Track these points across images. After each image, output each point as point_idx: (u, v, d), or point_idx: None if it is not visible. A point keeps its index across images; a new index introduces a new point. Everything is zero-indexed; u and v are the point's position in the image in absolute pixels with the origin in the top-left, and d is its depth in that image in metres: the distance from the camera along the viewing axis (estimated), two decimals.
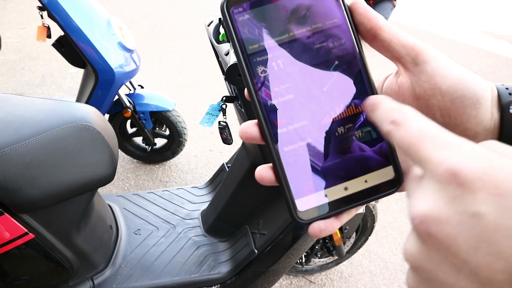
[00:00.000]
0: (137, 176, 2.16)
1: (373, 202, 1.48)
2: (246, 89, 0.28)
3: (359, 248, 1.63)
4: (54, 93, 2.86)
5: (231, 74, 0.60)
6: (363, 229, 1.57)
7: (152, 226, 1.36)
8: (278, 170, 0.28)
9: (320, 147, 0.29)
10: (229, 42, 0.28)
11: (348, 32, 0.29)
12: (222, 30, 0.99)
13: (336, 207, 0.29)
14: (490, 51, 4.86)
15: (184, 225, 1.39)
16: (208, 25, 1.07)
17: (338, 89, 0.29)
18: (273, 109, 0.28)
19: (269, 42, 0.28)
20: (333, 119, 0.29)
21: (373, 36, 0.28)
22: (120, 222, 1.34)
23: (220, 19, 0.89)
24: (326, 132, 0.29)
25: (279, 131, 0.28)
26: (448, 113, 0.27)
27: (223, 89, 3.08)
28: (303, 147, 0.28)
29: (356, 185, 0.29)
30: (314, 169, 0.29)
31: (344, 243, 1.56)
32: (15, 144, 0.87)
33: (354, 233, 1.57)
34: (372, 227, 1.56)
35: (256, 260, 1.22)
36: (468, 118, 0.27)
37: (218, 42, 0.99)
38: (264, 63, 0.28)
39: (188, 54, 3.69)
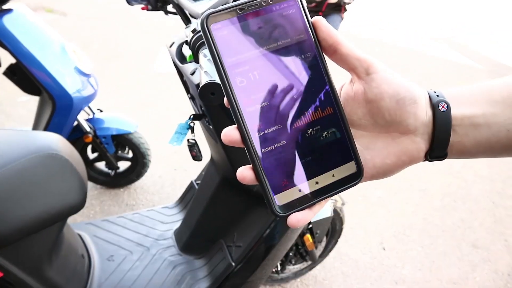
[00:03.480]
0: (102, 202, 2.10)
1: (339, 205, 1.55)
2: (225, 98, 0.32)
3: (330, 251, 1.69)
4: (4, 123, 2.73)
5: (204, 93, 0.63)
6: (333, 232, 1.63)
7: (125, 251, 1.34)
8: (258, 170, 0.32)
9: (294, 147, 0.33)
10: (210, 55, 0.32)
11: (313, 46, 0.34)
12: (186, 52, 1.01)
13: (309, 200, 0.34)
14: (436, 56, 5.22)
15: (158, 246, 1.38)
16: (170, 46, 1.09)
17: (307, 96, 0.33)
18: (251, 115, 0.32)
19: (245, 55, 0.31)
20: (303, 123, 0.33)
21: (333, 50, 0.34)
22: (92, 250, 1.30)
23: (186, 41, 0.92)
24: (298, 134, 0.33)
25: (257, 134, 0.32)
26: (394, 112, 0.34)
27: (183, 107, 3.08)
28: (278, 148, 0.32)
29: (325, 179, 0.34)
30: (289, 167, 0.33)
31: (316, 248, 1.61)
32: None
33: (325, 237, 1.63)
34: (341, 229, 1.62)
35: (234, 273, 1.23)
36: (409, 115, 0.34)
37: (182, 62, 1.02)
38: (242, 74, 0.31)
39: (143, 74, 3.66)
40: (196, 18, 1.06)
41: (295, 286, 1.74)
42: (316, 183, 0.34)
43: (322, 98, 0.34)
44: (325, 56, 0.34)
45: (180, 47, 1.07)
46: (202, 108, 1.09)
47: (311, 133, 0.33)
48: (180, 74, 1.15)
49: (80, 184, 1.01)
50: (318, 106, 0.33)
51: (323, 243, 1.65)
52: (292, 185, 0.33)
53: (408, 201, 2.30)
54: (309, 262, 1.67)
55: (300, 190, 0.33)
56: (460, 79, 4.45)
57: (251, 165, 0.33)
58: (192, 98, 1.16)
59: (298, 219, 0.32)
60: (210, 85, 0.62)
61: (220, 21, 0.31)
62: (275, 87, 0.32)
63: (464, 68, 4.75)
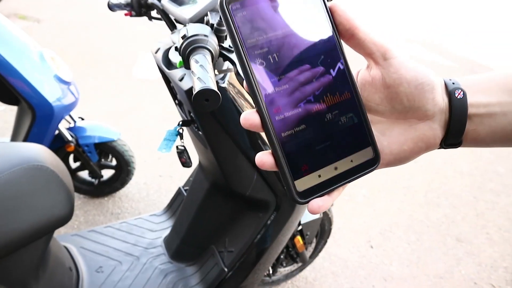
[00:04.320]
0: (86, 212, 2.05)
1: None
2: (245, 81, 0.31)
3: (319, 251, 1.70)
4: None
5: (198, 100, 0.62)
6: (322, 233, 1.64)
7: (114, 261, 1.31)
8: (278, 154, 0.32)
9: (312, 132, 0.33)
10: (229, 36, 0.31)
11: (331, 30, 0.33)
12: (173, 58, 1.00)
13: (328, 186, 0.33)
14: (413, 57, 5.33)
15: (148, 255, 1.35)
16: (156, 52, 1.08)
17: (325, 80, 0.33)
18: (271, 98, 0.31)
19: (265, 37, 0.31)
20: (322, 107, 0.33)
21: (350, 35, 0.33)
22: (79, 262, 1.27)
23: (176, 47, 0.91)
24: (317, 119, 0.33)
25: (277, 118, 0.31)
26: (413, 97, 0.33)
27: (165, 112, 3.05)
28: (298, 132, 0.32)
29: (344, 164, 0.34)
30: (309, 152, 0.33)
31: (306, 249, 1.62)
32: None
33: (314, 238, 1.64)
34: (330, 230, 1.63)
35: (226, 279, 1.22)
36: (427, 101, 0.34)
37: (169, 68, 1.00)
38: (262, 56, 0.31)
39: (124, 80, 3.61)
40: (181, 24, 1.05)
41: None
42: (336, 168, 0.34)
43: (340, 83, 0.33)
44: (342, 42, 0.34)
45: (166, 52, 1.06)
46: (191, 114, 1.08)
47: (329, 117, 0.33)
48: (167, 80, 1.14)
49: (67, 195, 0.98)
50: (336, 91, 0.33)
51: (313, 244, 1.65)
52: (312, 170, 0.33)
53: (392, 199, 2.34)
54: (300, 264, 1.68)
55: (319, 176, 0.33)
56: None
57: (270, 151, 0.32)
58: (180, 104, 1.15)
59: (320, 205, 0.32)
60: (204, 92, 0.62)
61: (239, 1, 0.30)
62: (294, 70, 0.32)
63: (442, 68, 4.88)
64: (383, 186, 2.42)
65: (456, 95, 0.34)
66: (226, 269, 1.21)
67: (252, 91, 0.31)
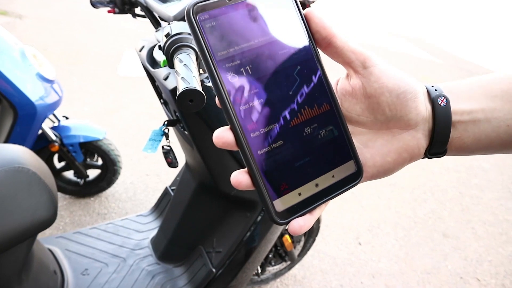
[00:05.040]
0: (72, 212, 2.02)
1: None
2: (217, 96, 0.29)
3: (308, 249, 1.70)
4: None
5: (182, 100, 0.61)
6: (310, 231, 1.64)
7: (101, 263, 1.29)
8: (255, 174, 0.30)
9: (291, 148, 0.31)
10: (198, 48, 0.29)
11: (307, 39, 0.32)
12: (157, 56, 0.98)
13: (310, 204, 0.32)
14: (398, 52, 5.38)
15: (134, 256, 1.34)
16: (140, 50, 1.06)
17: (302, 92, 0.31)
18: (245, 114, 0.29)
19: (236, 49, 0.29)
20: (300, 121, 0.31)
21: (327, 43, 0.32)
22: (64, 265, 1.24)
23: (159, 45, 0.89)
24: (295, 133, 0.31)
25: (252, 135, 0.29)
26: (395, 107, 0.32)
27: (151, 111, 3.01)
28: (275, 149, 0.30)
29: (325, 180, 0.32)
30: (287, 170, 0.31)
31: (294, 247, 1.61)
32: None
33: (303, 236, 1.64)
34: (318, 228, 1.64)
35: (215, 279, 1.21)
36: (410, 110, 0.32)
37: (154, 67, 0.99)
38: (233, 69, 0.29)
39: (109, 78, 3.55)
40: (165, 21, 1.03)
41: (275, 286, 1.74)
42: (316, 185, 0.32)
43: (318, 94, 0.32)
44: (319, 51, 0.33)
45: (150, 51, 1.04)
46: (176, 114, 1.06)
47: (308, 131, 0.31)
48: (151, 78, 1.12)
49: (50, 198, 0.96)
50: (314, 103, 0.32)
51: (302, 243, 1.65)
52: (292, 188, 0.31)
53: (380, 195, 2.35)
54: (288, 262, 1.68)
55: (300, 194, 0.31)
56: (422, 74, 4.61)
57: (246, 169, 0.30)
58: (165, 103, 1.13)
59: (300, 225, 0.31)
60: (188, 92, 0.60)
61: (208, 11, 0.28)
62: (269, 83, 0.30)
63: (425, 63, 4.93)
64: (370, 183, 2.43)
65: (439, 102, 0.33)
66: (214, 270, 1.20)
67: (224, 107, 0.29)
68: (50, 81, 1.70)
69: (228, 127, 0.30)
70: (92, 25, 4.91)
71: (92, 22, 4.99)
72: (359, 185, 0.34)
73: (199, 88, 0.62)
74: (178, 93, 0.60)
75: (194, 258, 1.30)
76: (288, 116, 0.31)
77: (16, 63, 1.60)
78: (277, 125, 0.30)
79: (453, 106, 0.33)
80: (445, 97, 0.33)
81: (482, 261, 1.95)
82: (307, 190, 0.32)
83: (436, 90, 0.34)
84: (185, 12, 0.28)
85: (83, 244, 1.35)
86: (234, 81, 0.29)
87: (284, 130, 0.30)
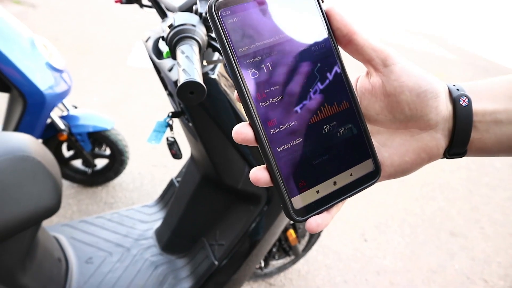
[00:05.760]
0: (79, 201, 2.04)
1: None
2: (236, 91, 0.29)
3: (313, 244, 1.69)
4: None
5: (183, 92, 0.60)
6: None
7: (105, 252, 1.30)
8: (274, 170, 0.30)
9: (310, 145, 0.31)
10: (218, 44, 0.29)
11: (327, 36, 0.31)
12: (162, 47, 0.98)
13: (327, 202, 0.32)
14: (415, 49, 5.29)
15: (138, 247, 1.34)
16: (146, 41, 1.05)
17: (322, 89, 0.31)
18: (265, 110, 0.29)
19: (257, 45, 0.29)
20: (319, 118, 0.31)
21: (348, 41, 0.31)
22: (69, 253, 1.26)
23: (163, 37, 0.88)
24: (315, 131, 0.31)
25: (271, 131, 0.29)
26: (415, 106, 0.31)
27: (159, 102, 3.02)
28: (294, 146, 0.30)
29: (343, 179, 0.32)
30: (306, 167, 0.31)
31: (299, 242, 1.61)
32: None
33: (308, 231, 1.63)
34: None
35: (217, 272, 1.21)
36: (430, 109, 0.32)
37: (159, 57, 0.98)
38: (254, 65, 0.29)
39: (118, 69, 3.56)
40: (172, 12, 1.03)
41: (278, 281, 1.74)
42: (334, 183, 0.32)
43: (338, 92, 0.32)
44: (339, 48, 0.32)
45: (156, 42, 1.03)
46: (181, 105, 1.06)
47: (327, 129, 0.31)
48: (157, 70, 1.11)
49: (54, 187, 0.96)
50: (334, 101, 0.31)
51: (306, 238, 1.65)
52: (310, 186, 0.31)
53: (388, 192, 2.33)
54: (292, 257, 1.67)
55: (318, 192, 0.31)
56: (438, 70, 4.53)
57: (265, 165, 0.30)
58: (170, 94, 1.13)
59: (318, 223, 0.30)
60: (188, 84, 0.59)
61: (230, 6, 0.28)
62: (289, 79, 0.30)
63: (441, 60, 4.84)
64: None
65: (461, 102, 0.32)
66: (216, 262, 1.20)
67: (244, 103, 0.29)
68: (59, 71, 1.71)
69: (248, 123, 0.30)
70: (102, 16, 4.92)
71: (103, 13, 5.01)
72: None
73: (200, 80, 0.61)
74: (178, 85, 0.60)
75: (197, 250, 1.30)
76: (307, 114, 0.30)
77: (26, 52, 1.61)
78: (296, 122, 0.30)
79: (475, 106, 0.32)
80: (467, 96, 0.32)
81: (491, 262, 1.92)
82: (325, 188, 0.32)
83: (458, 89, 0.33)
84: (207, 8, 0.28)
85: (88, 232, 1.36)
86: (255, 77, 0.29)
87: (304, 127, 0.30)
